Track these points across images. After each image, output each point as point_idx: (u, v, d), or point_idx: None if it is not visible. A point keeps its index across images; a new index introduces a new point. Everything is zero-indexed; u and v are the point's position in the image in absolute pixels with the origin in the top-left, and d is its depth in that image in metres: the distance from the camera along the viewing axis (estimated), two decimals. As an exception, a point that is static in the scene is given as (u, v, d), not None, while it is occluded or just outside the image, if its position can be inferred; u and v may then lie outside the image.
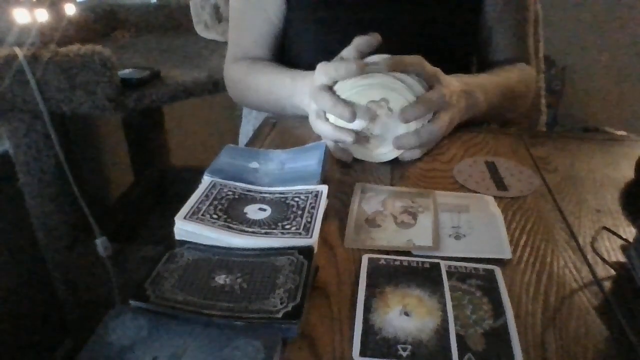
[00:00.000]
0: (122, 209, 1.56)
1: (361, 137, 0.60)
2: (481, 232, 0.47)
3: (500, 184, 0.57)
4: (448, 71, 0.65)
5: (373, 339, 0.35)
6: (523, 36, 0.84)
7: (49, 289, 1.25)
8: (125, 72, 1.04)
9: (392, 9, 0.77)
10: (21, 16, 1.04)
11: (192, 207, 0.46)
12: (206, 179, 0.52)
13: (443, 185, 0.56)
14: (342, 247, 0.46)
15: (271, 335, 0.34)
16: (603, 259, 0.44)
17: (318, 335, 0.36)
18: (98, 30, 1.42)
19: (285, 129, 0.72)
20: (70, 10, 1.25)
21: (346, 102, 0.57)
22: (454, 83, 0.64)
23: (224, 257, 0.42)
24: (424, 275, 0.41)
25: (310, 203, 0.49)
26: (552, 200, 0.54)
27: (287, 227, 0.45)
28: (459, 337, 0.35)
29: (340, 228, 0.48)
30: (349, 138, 0.57)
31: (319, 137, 0.62)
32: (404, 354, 0.34)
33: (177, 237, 0.45)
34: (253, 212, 0.48)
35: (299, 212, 0.47)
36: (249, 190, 0.52)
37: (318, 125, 0.61)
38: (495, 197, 0.54)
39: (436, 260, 0.43)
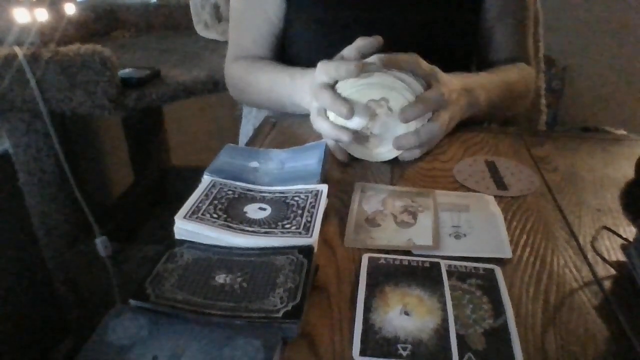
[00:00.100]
0: (122, 209, 1.56)
1: (361, 136, 0.60)
2: (481, 231, 0.47)
3: (500, 183, 0.57)
4: (448, 71, 0.65)
5: (373, 339, 0.35)
6: (523, 36, 0.84)
7: (49, 289, 1.25)
8: (125, 71, 1.04)
9: (392, 9, 0.77)
10: (21, 16, 1.04)
11: (192, 207, 0.46)
12: (206, 179, 0.52)
13: (443, 185, 0.56)
14: (342, 247, 0.46)
15: (271, 335, 0.34)
16: (603, 259, 0.44)
17: (318, 335, 0.36)
18: (98, 30, 1.42)
19: (285, 129, 0.72)
20: (70, 9, 1.25)
21: (345, 100, 0.57)
22: (453, 81, 0.64)
23: (224, 257, 0.42)
24: (424, 275, 0.41)
25: (310, 202, 0.49)
26: (552, 200, 0.54)
27: (287, 226, 0.45)
28: (459, 337, 0.35)
29: (340, 227, 0.48)
30: (345, 137, 0.57)
31: (318, 137, 0.62)
32: (404, 353, 0.34)
33: (177, 236, 0.45)
34: (253, 211, 0.48)
35: (299, 212, 0.47)
36: (249, 190, 0.52)
37: (318, 123, 0.61)
38: (495, 196, 0.54)
39: (436, 260, 0.43)
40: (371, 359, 0.34)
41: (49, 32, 1.11)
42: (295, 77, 0.73)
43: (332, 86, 0.59)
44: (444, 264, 0.42)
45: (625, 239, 0.47)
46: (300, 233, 0.44)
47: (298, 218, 0.46)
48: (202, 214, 0.46)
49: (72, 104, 0.97)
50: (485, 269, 0.42)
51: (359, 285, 0.40)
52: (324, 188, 0.51)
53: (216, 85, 1.10)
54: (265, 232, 0.44)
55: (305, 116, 0.66)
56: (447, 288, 0.40)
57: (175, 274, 0.40)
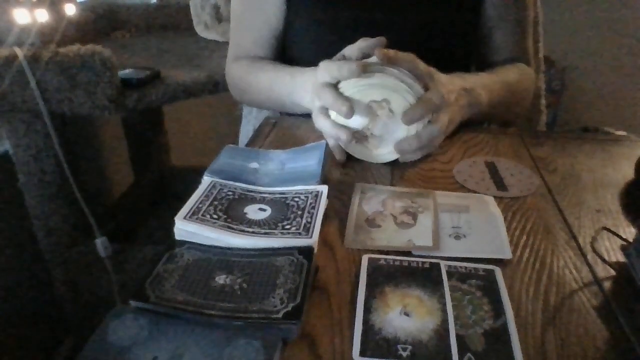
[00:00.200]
0: (122, 209, 1.56)
1: (361, 136, 0.60)
2: (481, 232, 0.47)
3: (500, 184, 0.57)
4: (448, 71, 0.65)
5: (373, 339, 0.35)
6: (523, 36, 0.84)
7: (49, 289, 1.25)
8: (125, 72, 1.04)
9: (391, 9, 0.77)
10: (21, 16, 1.04)
11: (192, 207, 0.47)
12: (206, 179, 0.52)
13: (443, 186, 0.56)
14: (342, 247, 0.46)
15: (271, 336, 0.34)
16: (603, 259, 0.44)
17: (318, 335, 0.36)
18: (98, 30, 1.42)
19: (285, 129, 0.72)
20: (70, 10, 1.25)
21: (346, 99, 0.57)
22: (454, 81, 0.64)
23: (224, 257, 0.42)
24: (424, 276, 0.41)
25: (310, 203, 0.49)
26: (552, 201, 0.54)
27: (287, 227, 0.45)
28: (459, 337, 0.35)
29: (340, 228, 0.48)
30: (344, 136, 0.58)
31: (318, 137, 0.62)
32: (404, 354, 0.34)
33: (177, 237, 0.45)
34: (253, 212, 0.48)
35: (299, 212, 0.47)
36: (249, 191, 0.52)
37: (320, 122, 0.61)
38: (495, 197, 0.54)
39: (436, 261, 0.43)
40: (371, 360, 0.34)
41: (49, 32, 1.11)
42: (295, 76, 0.73)
43: (334, 86, 0.59)
44: (443, 265, 0.42)
45: (625, 240, 0.47)
46: (300, 234, 0.44)
47: (298, 219, 0.46)
48: (202, 215, 0.46)
49: (72, 104, 0.97)
50: (485, 270, 0.42)
51: (359, 285, 0.40)
52: (324, 189, 0.51)
53: (216, 85, 1.10)
54: (265, 233, 0.44)
55: (305, 117, 0.66)
56: (447, 289, 0.40)
57: (176, 274, 0.40)
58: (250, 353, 0.32)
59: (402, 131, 0.59)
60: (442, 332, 0.36)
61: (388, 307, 0.38)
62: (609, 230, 0.48)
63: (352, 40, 0.62)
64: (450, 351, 0.34)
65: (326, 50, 0.64)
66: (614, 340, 0.36)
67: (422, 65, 0.60)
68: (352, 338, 0.35)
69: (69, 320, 1.29)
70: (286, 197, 0.50)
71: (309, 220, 0.46)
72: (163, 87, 1.05)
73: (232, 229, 0.45)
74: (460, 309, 0.38)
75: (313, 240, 0.43)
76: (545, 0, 0.98)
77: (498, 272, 0.42)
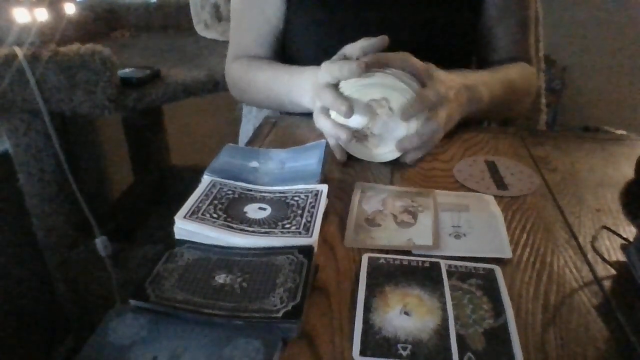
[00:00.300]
0: (122, 209, 1.56)
1: (361, 136, 0.60)
2: (481, 231, 0.47)
3: (500, 183, 0.57)
4: (448, 70, 0.65)
5: (373, 339, 0.35)
6: (524, 36, 0.83)
7: (49, 289, 1.25)
8: (125, 71, 1.04)
9: (391, 9, 0.76)
10: (21, 16, 1.04)
11: (192, 207, 0.46)
12: (206, 178, 0.52)
13: (443, 185, 0.56)
14: (342, 247, 0.46)
15: (271, 335, 0.34)
16: (603, 259, 0.44)
17: (318, 335, 0.36)
18: (98, 29, 1.42)
19: (285, 129, 0.72)
20: (70, 9, 1.25)
21: (346, 98, 0.58)
22: (453, 78, 0.64)
23: (224, 257, 0.42)
24: (424, 275, 0.41)
25: (310, 202, 0.49)
26: (552, 200, 0.54)
27: (287, 226, 0.45)
28: (459, 337, 0.35)
29: (340, 227, 0.48)
30: (344, 135, 0.58)
31: (318, 137, 0.62)
32: (404, 353, 0.34)
33: (177, 236, 0.45)
34: (253, 211, 0.48)
35: (299, 212, 0.47)
36: (249, 190, 0.52)
37: (320, 122, 0.61)
38: (495, 196, 0.54)
39: (436, 260, 0.43)
40: (371, 359, 0.34)
41: (48, 32, 1.11)
42: (294, 75, 0.73)
43: (334, 86, 0.59)
44: (444, 264, 0.42)
45: (625, 239, 0.47)
46: (300, 233, 0.44)
47: (298, 218, 0.46)
48: (202, 214, 0.46)
49: (72, 104, 0.97)
50: (485, 269, 0.42)
51: (359, 285, 0.40)
52: (324, 188, 0.51)
53: (216, 85, 1.10)
54: (265, 232, 0.44)
55: (305, 116, 0.66)
56: (447, 288, 0.40)
57: (176, 274, 0.40)
58: (250, 352, 0.32)
59: (402, 130, 0.59)
60: (442, 331, 0.36)
61: (388, 306, 0.38)
62: (609, 229, 0.48)
63: (351, 40, 0.62)
64: (450, 350, 0.34)
65: (326, 50, 0.64)
66: (614, 339, 0.36)
67: (418, 62, 0.60)
68: (352, 337, 0.35)
69: (69, 320, 1.29)
70: (286, 196, 0.50)
71: (309, 219, 0.46)
72: (163, 87, 1.05)
73: (232, 228, 0.44)
74: (461, 308, 0.38)
75: (313, 239, 0.43)
76: (545, 0, 0.98)
77: (498, 271, 0.42)
